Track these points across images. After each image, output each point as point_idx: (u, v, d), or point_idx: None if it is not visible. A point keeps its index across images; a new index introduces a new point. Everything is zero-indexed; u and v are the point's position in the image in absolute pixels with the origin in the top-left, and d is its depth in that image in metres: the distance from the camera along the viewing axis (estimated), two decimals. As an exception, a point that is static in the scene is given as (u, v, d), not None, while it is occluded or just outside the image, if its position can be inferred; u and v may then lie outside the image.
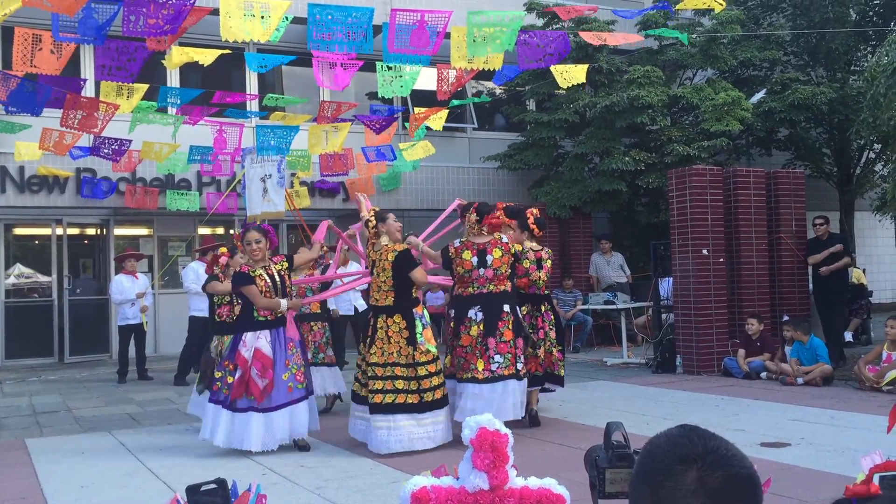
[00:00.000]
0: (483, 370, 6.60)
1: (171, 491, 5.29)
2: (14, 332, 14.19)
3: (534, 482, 2.55)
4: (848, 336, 11.97)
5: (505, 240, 6.93)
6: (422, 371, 6.45)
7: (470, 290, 6.82)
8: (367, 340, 6.64)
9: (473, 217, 6.96)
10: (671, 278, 10.98)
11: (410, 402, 6.40)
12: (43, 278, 14.74)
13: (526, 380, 6.88)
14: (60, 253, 14.66)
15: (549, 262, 7.60)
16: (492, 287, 6.78)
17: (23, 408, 9.48)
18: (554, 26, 14.59)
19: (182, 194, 13.87)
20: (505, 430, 2.55)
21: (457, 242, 6.98)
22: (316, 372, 8.03)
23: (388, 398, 6.40)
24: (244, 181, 9.51)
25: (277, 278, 6.74)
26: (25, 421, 8.61)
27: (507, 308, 6.77)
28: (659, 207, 14.65)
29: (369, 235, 6.83)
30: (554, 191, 14.65)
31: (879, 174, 16.68)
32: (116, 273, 12.19)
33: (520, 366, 6.72)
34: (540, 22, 14.88)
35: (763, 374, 9.69)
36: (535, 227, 7.54)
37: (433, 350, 6.52)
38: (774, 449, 6.09)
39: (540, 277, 7.44)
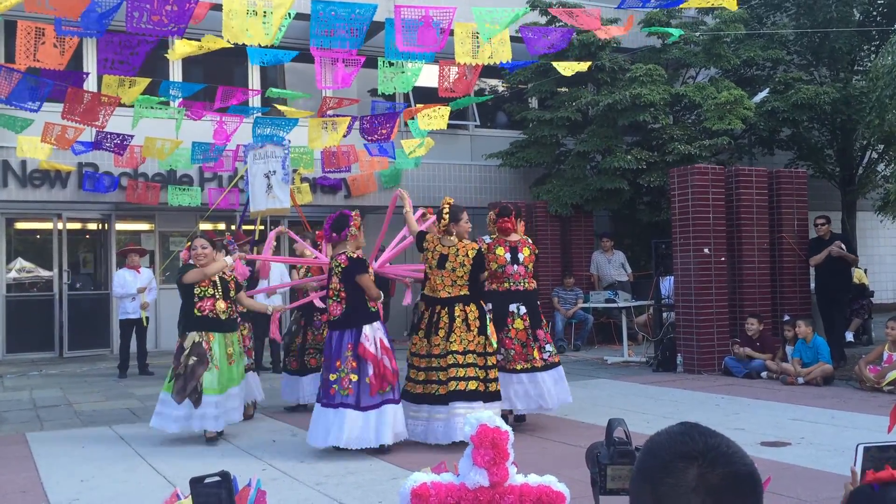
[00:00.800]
0: (538, 358, 6.97)
1: (171, 485, 5.30)
2: (15, 326, 14.20)
3: (534, 479, 2.55)
4: (849, 336, 11.95)
5: (530, 241, 7.30)
6: (490, 361, 6.62)
7: (506, 285, 7.10)
8: (440, 332, 6.63)
9: (492, 215, 7.35)
10: (672, 277, 10.97)
11: (479, 389, 6.52)
12: (44, 273, 14.75)
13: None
14: (62, 247, 14.66)
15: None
16: (526, 284, 7.14)
17: (23, 402, 9.49)
18: (557, 24, 14.58)
19: (184, 189, 13.87)
20: (505, 427, 2.55)
21: (487, 239, 7.27)
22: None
23: (472, 385, 6.48)
24: (247, 177, 9.50)
25: None
26: (26, 415, 8.62)
27: (537, 303, 7.27)
28: (660, 206, 14.64)
29: (437, 230, 6.89)
30: (555, 189, 14.65)
31: (882, 174, 16.65)
32: (118, 267, 12.20)
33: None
34: (543, 20, 14.86)
35: (763, 374, 9.70)
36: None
37: (495, 344, 6.72)
38: (775, 448, 6.09)
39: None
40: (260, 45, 6.96)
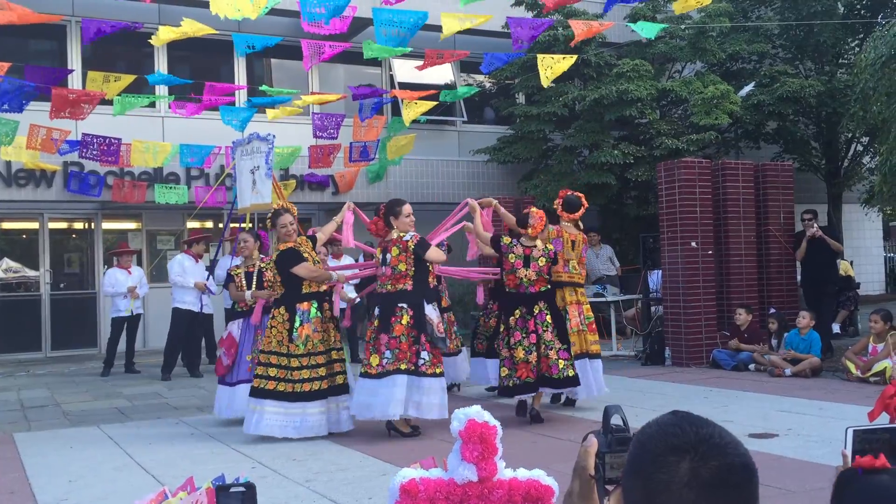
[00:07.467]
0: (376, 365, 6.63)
1: (160, 484, 5.28)
2: (2, 326, 14.11)
3: (522, 474, 2.55)
4: (836, 328, 12.03)
5: (407, 238, 6.82)
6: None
7: (377, 288, 7.05)
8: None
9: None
10: (660, 271, 11.00)
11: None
12: (31, 273, 14.67)
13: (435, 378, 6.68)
14: (48, 247, 14.58)
15: (543, 259, 7.20)
16: (388, 286, 6.81)
17: (11, 402, 9.44)
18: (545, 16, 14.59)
19: (170, 188, 13.80)
20: (494, 422, 2.55)
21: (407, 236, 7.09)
22: None
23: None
24: (234, 174, 9.47)
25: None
26: (13, 415, 8.57)
27: (402, 305, 6.71)
28: (648, 200, 14.68)
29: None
30: (543, 184, 14.66)
31: (867, 167, 16.75)
32: (107, 267, 12.18)
33: (420, 362, 6.64)
34: (529, 15, 14.87)
35: (751, 367, 9.74)
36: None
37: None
38: (762, 440, 6.13)
39: (526, 276, 7.12)
40: (247, 20, 7.04)
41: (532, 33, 8.56)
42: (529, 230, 7.23)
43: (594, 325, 8.02)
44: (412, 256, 6.77)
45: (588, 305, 8.08)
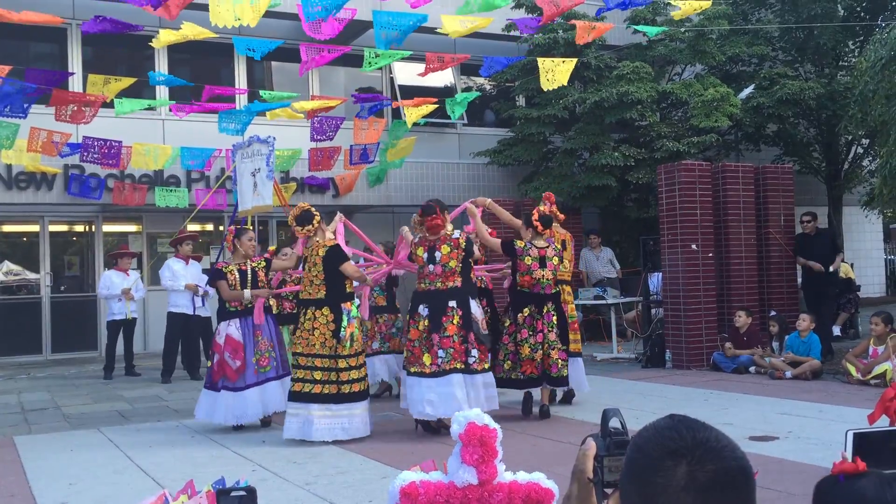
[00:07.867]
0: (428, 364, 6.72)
1: (160, 487, 5.28)
2: (2, 329, 14.11)
3: (522, 476, 2.56)
4: (836, 330, 12.03)
5: (456, 235, 6.98)
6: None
7: (423, 286, 6.99)
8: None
9: (416, 217, 7.43)
10: (660, 273, 11.00)
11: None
12: (31, 275, 14.67)
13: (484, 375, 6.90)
14: (49, 250, 14.59)
15: (556, 259, 7.47)
16: (439, 284, 6.88)
17: (11, 405, 9.44)
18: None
19: (171, 191, 13.79)
20: (493, 425, 2.55)
21: (416, 238, 7.19)
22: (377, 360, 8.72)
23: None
24: (234, 176, 9.48)
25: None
26: (14, 418, 8.57)
27: (452, 304, 6.83)
28: (648, 203, 14.68)
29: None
30: (543, 186, 14.63)
31: (867, 169, 16.74)
32: (107, 269, 12.16)
33: (471, 360, 6.78)
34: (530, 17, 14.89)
35: (752, 369, 9.74)
36: (538, 224, 7.51)
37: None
38: (762, 442, 6.13)
39: (544, 276, 7.36)
40: (247, 28, 7.06)
41: (534, 23, 8.82)
42: (556, 224, 7.63)
43: (576, 325, 8.31)
44: (462, 253, 6.88)
45: (573, 304, 8.35)
